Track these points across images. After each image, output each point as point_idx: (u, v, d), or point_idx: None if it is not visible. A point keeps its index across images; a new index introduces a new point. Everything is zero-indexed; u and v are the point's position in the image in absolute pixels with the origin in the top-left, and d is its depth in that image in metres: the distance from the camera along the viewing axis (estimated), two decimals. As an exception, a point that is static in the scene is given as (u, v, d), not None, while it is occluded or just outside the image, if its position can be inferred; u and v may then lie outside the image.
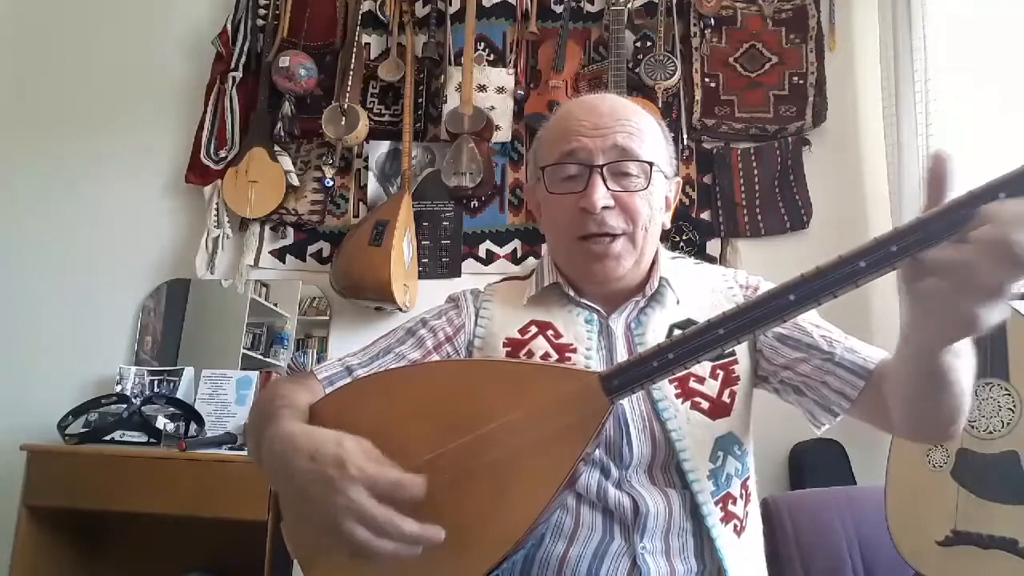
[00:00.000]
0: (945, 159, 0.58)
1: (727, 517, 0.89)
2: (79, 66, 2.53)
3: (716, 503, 0.88)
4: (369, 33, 2.41)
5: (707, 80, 2.30)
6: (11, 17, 2.59)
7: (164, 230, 2.38)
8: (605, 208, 0.90)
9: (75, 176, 2.44)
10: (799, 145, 2.22)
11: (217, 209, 2.30)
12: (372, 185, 2.32)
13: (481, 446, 0.75)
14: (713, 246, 2.21)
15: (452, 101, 2.28)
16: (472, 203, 2.31)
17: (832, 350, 0.89)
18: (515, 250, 2.27)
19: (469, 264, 2.27)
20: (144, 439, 1.97)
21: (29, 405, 2.20)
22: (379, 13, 2.41)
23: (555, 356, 0.93)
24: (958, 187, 0.57)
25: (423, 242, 2.27)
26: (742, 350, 0.94)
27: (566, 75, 2.28)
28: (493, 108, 2.29)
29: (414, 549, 0.68)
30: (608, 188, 0.91)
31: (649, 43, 2.31)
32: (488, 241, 2.29)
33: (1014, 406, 1.31)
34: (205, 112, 2.39)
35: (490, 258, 2.28)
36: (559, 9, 2.37)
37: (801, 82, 2.26)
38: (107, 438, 1.95)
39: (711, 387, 0.91)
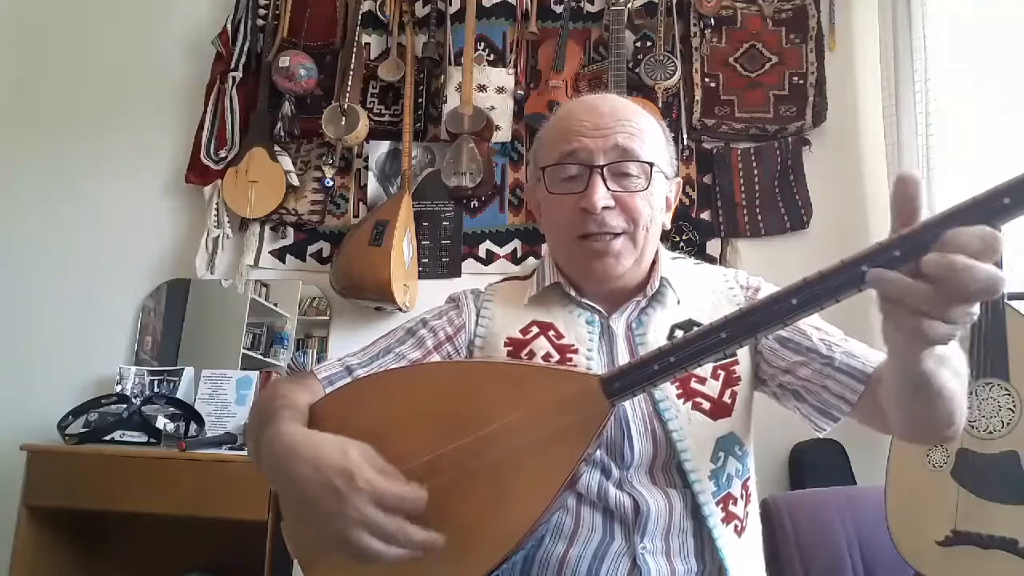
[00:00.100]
0: (910, 181, 0.57)
1: (728, 517, 0.89)
2: (79, 66, 2.53)
3: (717, 503, 0.88)
4: (369, 33, 2.41)
5: (707, 80, 2.30)
6: (11, 17, 2.58)
7: (164, 230, 2.38)
8: (605, 208, 0.90)
9: (75, 176, 2.44)
10: (799, 145, 2.22)
11: (217, 209, 2.30)
12: (372, 185, 2.31)
13: (482, 447, 0.75)
14: (713, 246, 2.21)
15: (452, 101, 2.28)
16: (472, 203, 2.31)
17: (831, 354, 0.89)
18: (515, 250, 2.27)
19: (469, 264, 2.27)
20: (144, 439, 1.97)
21: (29, 405, 2.20)
22: (379, 13, 2.40)
23: (556, 357, 0.93)
24: (923, 210, 0.57)
25: (423, 242, 2.26)
26: (743, 352, 0.94)
27: (566, 75, 2.28)
28: (493, 108, 2.28)
29: (417, 553, 0.70)
30: (608, 188, 0.91)
31: (649, 43, 2.31)
32: (488, 241, 2.28)
33: (1014, 406, 1.31)
34: (205, 112, 2.38)
35: (490, 258, 2.27)
36: (559, 9, 2.36)
37: (801, 82, 2.26)
38: (107, 438, 1.95)
39: (712, 387, 0.91)
